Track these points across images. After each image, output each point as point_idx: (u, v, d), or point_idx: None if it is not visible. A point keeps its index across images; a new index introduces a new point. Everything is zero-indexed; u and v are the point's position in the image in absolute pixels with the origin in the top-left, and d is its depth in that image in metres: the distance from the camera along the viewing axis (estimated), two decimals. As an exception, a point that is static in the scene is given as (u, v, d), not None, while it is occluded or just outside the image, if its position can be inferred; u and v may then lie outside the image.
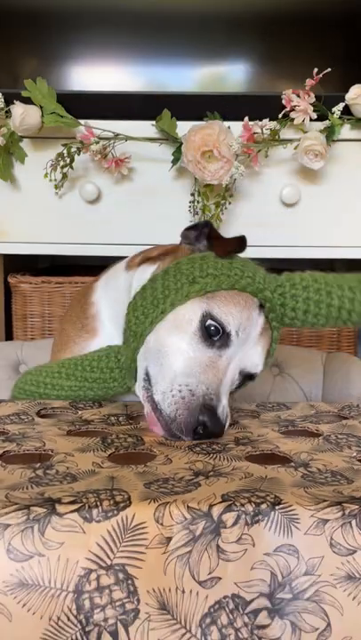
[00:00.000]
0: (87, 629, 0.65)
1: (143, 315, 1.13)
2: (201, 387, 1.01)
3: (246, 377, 1.13)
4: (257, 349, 1.11)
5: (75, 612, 0.65)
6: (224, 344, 1.07)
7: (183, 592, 0.66)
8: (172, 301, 1.10)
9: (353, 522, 0.69)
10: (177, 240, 1.23)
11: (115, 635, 0.65)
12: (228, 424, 1.03)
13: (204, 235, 1.19)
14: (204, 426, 0.97)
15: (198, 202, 1.81)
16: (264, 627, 0.66)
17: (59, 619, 0.64)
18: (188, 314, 1.09)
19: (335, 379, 1.77)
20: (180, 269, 1.13)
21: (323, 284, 1.10)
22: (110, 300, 1.29)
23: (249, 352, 1.10)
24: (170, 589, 0.66)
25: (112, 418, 1.06)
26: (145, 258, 1.27)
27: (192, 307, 1.09)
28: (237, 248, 1.16)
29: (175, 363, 1.06)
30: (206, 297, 1.09)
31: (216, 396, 1.02)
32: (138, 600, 0.65)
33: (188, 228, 1.21)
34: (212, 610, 0.66)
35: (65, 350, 1.33)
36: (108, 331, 1.28)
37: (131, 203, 1.86)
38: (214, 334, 1.06)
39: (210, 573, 0.66)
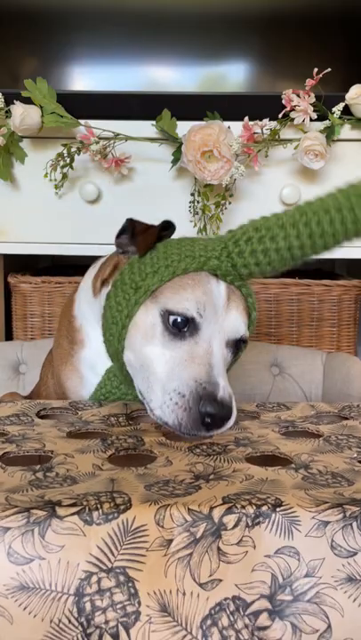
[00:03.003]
0: (88, 631, 0.65)
1: (111, 335, 1.16)
2: (189, 383, 1.02)
3: (237, 344, 1.13)
4: (232, 315, 1.11)
5: (76, 615, 0.65)
6: (194, 330, 1.08)
7: (184, 594, 0.66)
8: (128, 314, 1.12)
9: (354, 524, 0.69)
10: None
11: (116, 636, 0.65)
12: (233, 402, 1.04)
13: (130, 236, 1.19)
14: (209, 415, 0.99)
15: (198, 202, 1.81)
16: (265, 628, 0.66)
17: (60, 621, 0.65)
18: (148, 319, 1.11)
19: (335, 379, 1.77)
20: (124, 280, 1.15)
21: (265, 231, 1.05)
22: (89, 317, 1.30)
23: (226, 321, 1.10)
24: (170, 591, 0.66)
25: (112, 418, 1.06)
26: (102, 281, 1.27)
27: (147, 311, 1.11)
28: (157, 238, 1.16)
29: (158, 371, 1.08)
30: (154, 296, 1.10)
31: (209, 383, 1.03)
32: (139, 602, 0.65)
33: (118, 235, 1.20)
34: (212, 612, 0.66)
35: (66, 363, 1.35)
36: (94, 342, 1.29)
37: (131, 203, 1.86)
38: (181, 326, 1.07)
39: (210, 575, 0.66)
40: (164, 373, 1.06)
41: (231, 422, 1.03)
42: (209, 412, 1.00)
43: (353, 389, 1.67)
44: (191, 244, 1.14)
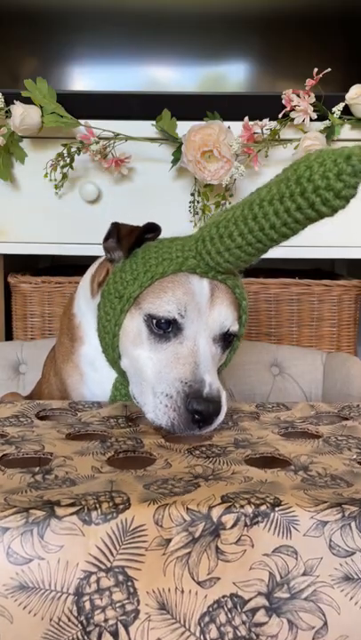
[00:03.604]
0: (88, 629, 0.65)
1: (106, 344, 1.20)
2: (175, 384, 1.05)
3: (226, 338, 1.15)
4: (216, 310, 1.12)
5: (75, 614, 0.65)
6: (178, 330, 1.10)
7: (182, 592, 0.66)
8: (116, 322, 1.15)
9: (353, 524, 0.69)
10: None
11: (115, 634, 0.65)
12: (224, 396, 1.07)
13: (116, 239, 1.20)
14: (198, 413, 1.02)
15: (198, 202, 1.81)
16: (262, 624, 0.67)
17: (60, 619, 0.65)
18: (134, 326, 1.13)
19: (335, 379, 1.77)
20: (109, 290, 1.18)
21: (223, 229, 1.04)
22: (88, 315, 1.32)
23: (210, 317, 1.12)
24: (169, 590, 0.66)
25: (111, 420, 1.06)
26: (98, 283, 1.29)
27: (132, 318, 1.14)
28: (141, 239, 1.18)
29: (148, 375, 1.11)
30: (137, 302, 1.13)
31: (195, 381, 1.05)
32: (138, 601, 0.65)
33: (105, 239, 1.21)
34: (210, 609, 0.66)
35: (67, 361, 1.36)
36: (92, 339, 1.29)
37: (131, 203, 1.86)
38: (165, 328, 1.10)
39: (209, 574, 0.67)
40: (153, 376, 1.09)
41: (221, 417, 1.05)
42: (197, 410, 1.02)
43: (353, 389, 1.67)
44: (169, 246, 1.14)
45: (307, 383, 1.86)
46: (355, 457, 0.86)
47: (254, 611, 0.67)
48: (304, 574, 0.68)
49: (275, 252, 1.85)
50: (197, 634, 0.66)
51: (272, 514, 0.68)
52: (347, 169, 0.86)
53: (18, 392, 1.74)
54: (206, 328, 1.11)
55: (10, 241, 1.91)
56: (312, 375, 1.86)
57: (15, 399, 1.35)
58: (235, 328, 1.16)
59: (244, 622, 0.67)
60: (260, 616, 0.67)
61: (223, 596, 0.67)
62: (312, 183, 0.88)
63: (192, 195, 1.81)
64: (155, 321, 1.10)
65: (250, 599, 0.67)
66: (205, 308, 1.11)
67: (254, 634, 0.67)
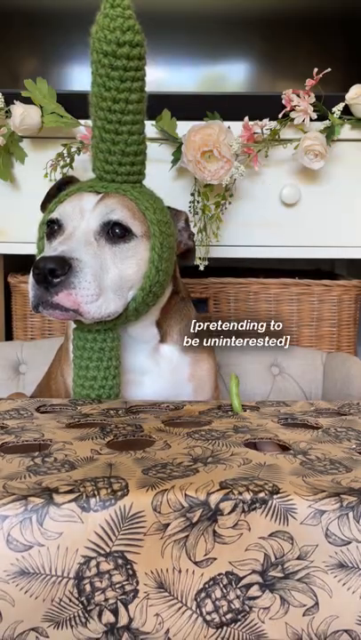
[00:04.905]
0: (88, 609, 0.66)
1: None
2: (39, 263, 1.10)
3: (114, 230, 1.22)
4: (99, 207, 1.23)
5: (76, 595, 0.66)
6: (59, 228, 1.23)
7: (180, 571, 0.66)
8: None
9: (350, 514, 0.69)
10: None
11: (115, 612, 0.66)
12: (77, 260, 1.12)
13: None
14: (36, 269, 1.09)
15: (198, 202, 1.81)
16: (255, 598, 0.68)
17: (61, 600, 0.65)
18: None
19: (335, 378, 1.77)
20: None
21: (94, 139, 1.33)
22: None
23: (92, 214, 1.22)
24: (167, 570, 0.66)
25: (111, 411, 1.06)
26: None
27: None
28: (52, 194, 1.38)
29: None
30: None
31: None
32: (137, 582, 0.66)
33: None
34: (206, 585, 0.67)
35: (66, 361, 1.38)
36: None
37: (131, 203, 1.86)
38: (52, 227, 1.24)
39: (205, 555, 0.67)
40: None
41: (75, 280, 1.10)
42: (36, 266, 1.08)
43: (353, 389, 1.67)
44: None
45: (307, 383, 1.86)
46: (354, 447, 0.87)
47: (248, 586, 0.68)
48: (299, 558, 0.68)
49: (275, 252, 1.86)
50: (194, 608, 0.67)
51: (270, 501, 0.68)
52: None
53: (23, 392, 1.74)
54: (87, 224, 1.20)
55: (10, 241, 1.91)
56: (312, 375, 1.86)
57: (20, 399, 1.36)
58: (116, 217, 1.22)
59: (238, 596, 0.68)
60: (254, 591, 0.68)
61: (219, 574, 0.67)
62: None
63: (192, 195, 1.81)
64: (47, 223, 1.25)
65: (244, 576, 0.68)
66: (90, 211, 1.22)
67: (247, 606, 0.67)
